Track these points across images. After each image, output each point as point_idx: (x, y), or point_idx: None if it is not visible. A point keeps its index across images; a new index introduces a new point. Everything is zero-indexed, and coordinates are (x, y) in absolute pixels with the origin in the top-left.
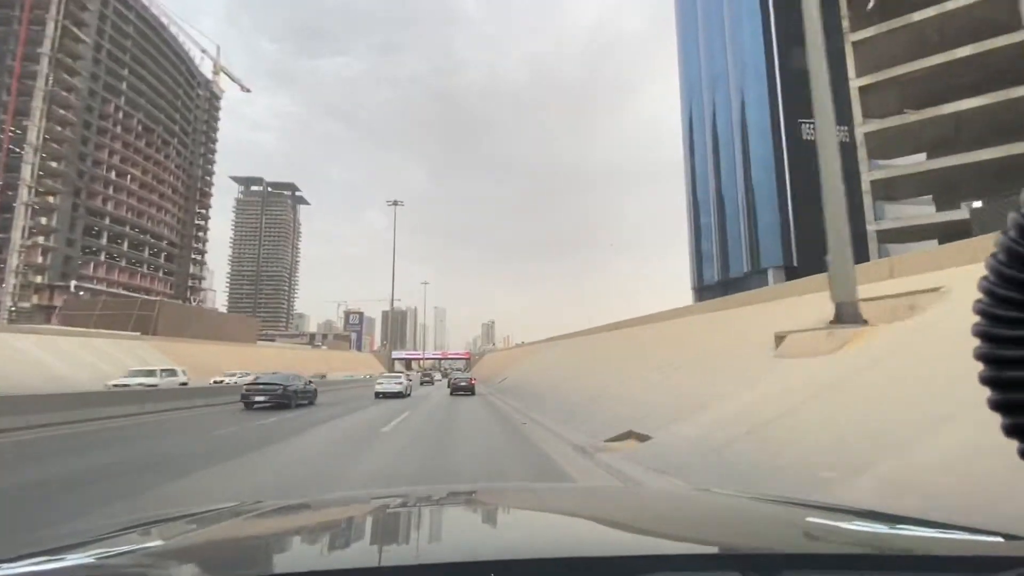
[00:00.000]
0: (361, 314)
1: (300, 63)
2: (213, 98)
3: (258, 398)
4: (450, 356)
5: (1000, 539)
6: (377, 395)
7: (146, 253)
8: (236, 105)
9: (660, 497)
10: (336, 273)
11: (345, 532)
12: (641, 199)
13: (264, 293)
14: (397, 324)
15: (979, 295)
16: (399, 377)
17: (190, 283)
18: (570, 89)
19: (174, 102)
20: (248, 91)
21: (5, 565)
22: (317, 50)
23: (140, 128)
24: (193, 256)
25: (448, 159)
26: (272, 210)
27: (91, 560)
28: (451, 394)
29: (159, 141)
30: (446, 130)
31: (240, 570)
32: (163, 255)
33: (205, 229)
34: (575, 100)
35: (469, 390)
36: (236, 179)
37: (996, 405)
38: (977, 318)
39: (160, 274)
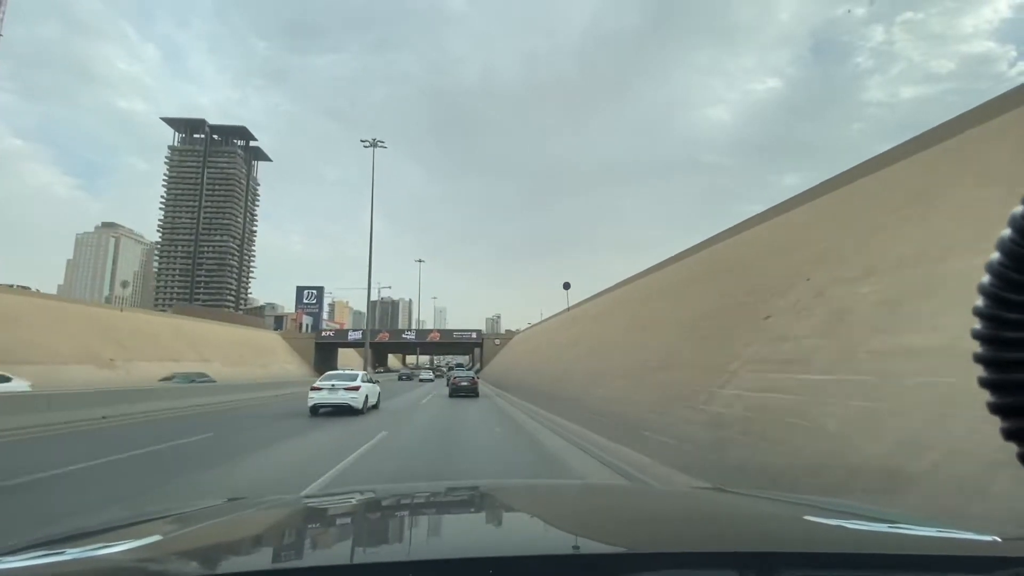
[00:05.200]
0: (320, 289)
1: (294, 60)
2: None
3: (403, 375)
4: (437, 340)
5: (996, 539)
6: (420, 380)
7: None
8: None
9: (661, 495)
10: (338, 272)
11: (345, 528)
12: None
13: (205, 268)
14: (387, 315)
15: (979, 298)
16: (430, 372)
17: None
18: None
19: None
20: None
21: (5, 559)
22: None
23: None
24: None
25: (454, 158)
26: (217, 162)
27: (88, 555)
28: (450, 396)
29: None
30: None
31: (238, 566)
32: None
33: None
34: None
35: (472, 391)
36: (170, 121)
37: (995, 408)
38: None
39: None
